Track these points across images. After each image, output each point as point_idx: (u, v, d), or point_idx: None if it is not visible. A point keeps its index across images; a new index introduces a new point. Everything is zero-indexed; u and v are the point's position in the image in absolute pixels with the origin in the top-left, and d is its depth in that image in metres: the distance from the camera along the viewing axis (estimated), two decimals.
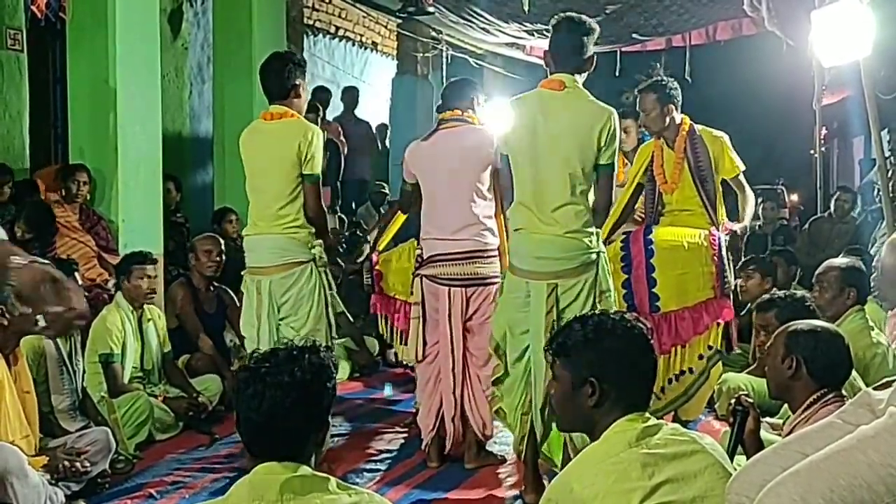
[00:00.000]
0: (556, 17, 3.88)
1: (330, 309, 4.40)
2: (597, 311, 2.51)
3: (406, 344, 4.74)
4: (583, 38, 3.78)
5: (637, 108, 4.79)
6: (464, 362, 4.35)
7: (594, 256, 3.77)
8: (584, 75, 3.84)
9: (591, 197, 3.81)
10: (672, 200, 4.69)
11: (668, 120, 4.64)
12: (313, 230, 4.32)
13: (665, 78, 4.79)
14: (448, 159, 4.31)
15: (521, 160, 3.82)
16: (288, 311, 4.30)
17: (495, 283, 4.26)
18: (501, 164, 4.16)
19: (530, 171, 3.78)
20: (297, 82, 4.30)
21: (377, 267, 4.95)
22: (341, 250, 6.71)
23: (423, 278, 4.37)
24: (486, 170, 4.29)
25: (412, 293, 4.52)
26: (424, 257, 4.37)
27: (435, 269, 4.32)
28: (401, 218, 4.96)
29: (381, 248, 5.01)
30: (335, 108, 10.36)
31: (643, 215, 4.89)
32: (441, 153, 4.34)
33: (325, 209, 4.55)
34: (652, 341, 2.36)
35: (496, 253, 4.34)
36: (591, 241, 3.77)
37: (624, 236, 4.54)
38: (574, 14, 3.85)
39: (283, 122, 4.25)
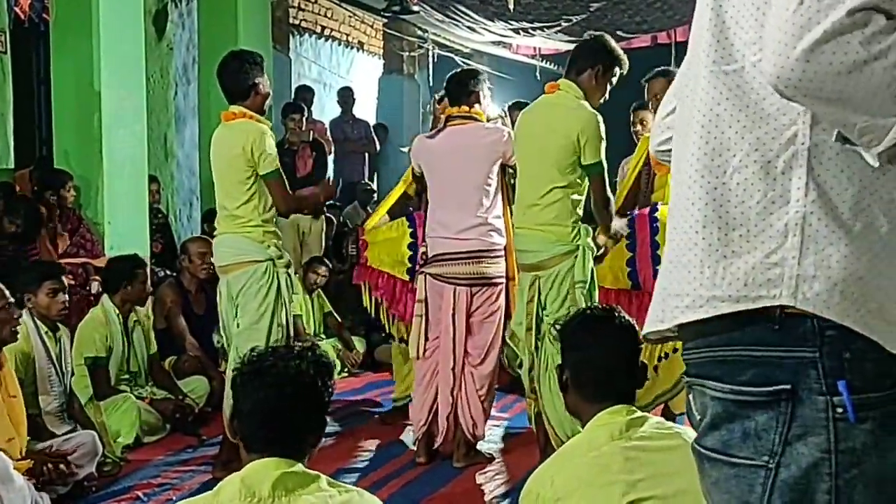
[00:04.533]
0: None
1: (281, 310, 4.26)
2: (596, 309, 2.59)
3: (389, 316, 4.94)
4: (588, 50, 4.10)
5: (646, 97, 4.86)
6: (464, 359, 4.36)
7: (570, 248, 3.99)
8: (590, 78, 4.04)
9: (576, 196, 4.04)
10: (668, 181, 4.78)
11: None
12: (271, 229, 4.28)
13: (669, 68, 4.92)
14: (456, 158, 4.31)
15: (519, 160, 4.16)
16: (238, 307, 4.28)
17: (500, 283, 4.36)
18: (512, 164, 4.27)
19: (522, 169, 4.11)
20: (256, 81, 4.22)
21: (363, 237, 4.94)
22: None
23: (428, 276, 4.39)
24: (494, 168, 4.30)
25: (416, 288, 4.54)
26: (429, 255, 4.38)
27: (440, 267, 4.33)
28: (395, 194, 4.94)
29: (369, 226, 4.98)
30: (323, 108, 10.34)
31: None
32: (449, 151, 4.34)
33: (292, 196, 4.41)
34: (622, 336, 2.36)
35: (502, 253, 4.35)
36: (564, 233, 3.99)
37: (629, 215, 4.69)
38: (590, 38, 4.29)
39: (234, 124, 4.21)
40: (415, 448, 4.51)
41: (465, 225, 4.27)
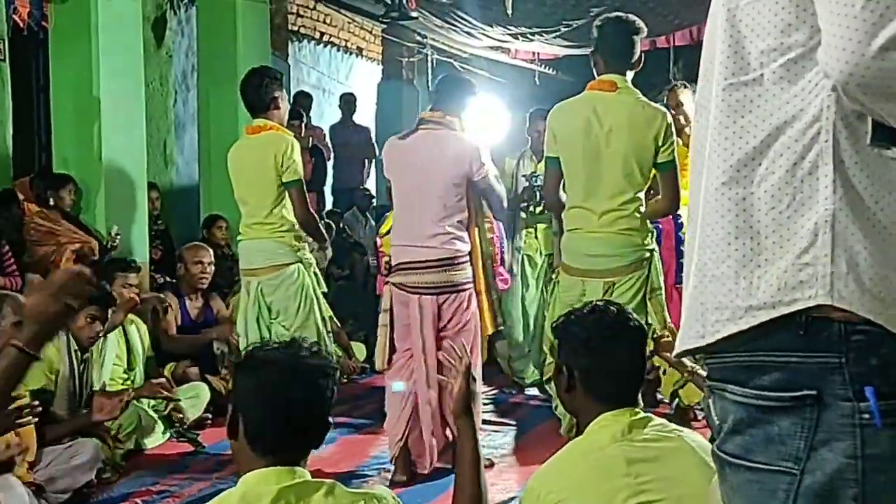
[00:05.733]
0: (601, 17, 3.97)
1: (320, 308, 4.65)
2: (600, 304, 2.45)
3: None
4: (632, 38, 3.85)
5: (667, 103, 4.89)
6: (439, 372, 4.04)
7: (647, 254, 3.89)
8: (632, 73, 3.89)
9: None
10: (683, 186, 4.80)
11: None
12: (300, 233, 4.59)
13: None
14: (423, 164, 4.12)
15: (575, 162, 3.87)
16: (278, 310, 4.59)
17: (468, 289, 4.19)
18: (550, 167, 4.03)
19: (585, 171, 3.84)
20: (275, 95, 4.56)
21: (381, 249, 5.17)
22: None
23: (393, 286, 4.23)
24: (461, 180, 4.11)
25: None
26: (393, 264, 4.23)
27: (404, 277, 4.17)
28: None
29: (383, 231, 5.23)
30: (322, 114, 10.35)
31: None
32: (416, 156, 4.15)
33: (314, 213, 4.74)
34: (632, 338, 2.31)
35: (468, 259, 4.19)
36: (644, 239, 3.89)
37: (655, 224, 4.76)
38: (622, 13, 3.94)
39: (262, 136, 4.51)
40: (391, 466, 4.30)
41: (428, 233, 4.10)
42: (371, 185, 10.35)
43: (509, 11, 7.74)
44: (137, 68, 6.01)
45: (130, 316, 5.03)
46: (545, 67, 10.97)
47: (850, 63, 1.10)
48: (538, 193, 5.55)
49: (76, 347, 4.26)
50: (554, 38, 8.92)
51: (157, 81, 7.75)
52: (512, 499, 4.00)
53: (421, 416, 4.20)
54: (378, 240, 5.34)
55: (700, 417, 4.63)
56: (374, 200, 9.52)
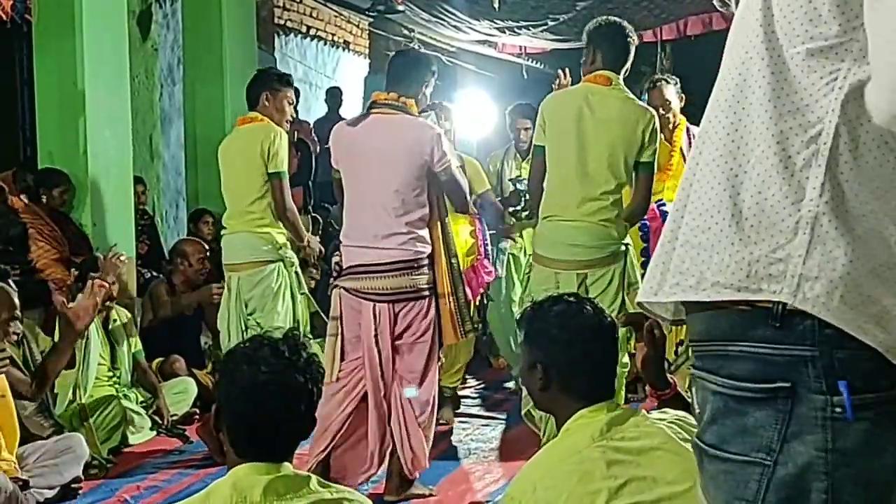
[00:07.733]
0: (602, 18, 4.09)
1: (301, 308, 4.71)
2: (569, 298, 2.39)
3: None
4: (628, 43, 3.97)
5: (652, 100, 4.94)
6: (392, 387, 3.84)
7: (623, 247, 3.93)
8: (622, 76, 3.99)
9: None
10: (669, 187, 4.81)
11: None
12: (282, 229, 4.62)
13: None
14: (376, 152, 3.73)
15: (563, 149, 3.92)
16: (255, 307, 4.60)
17: (427, 294, 3.84)
18: (537, 156, 3.99)
19: (573, 159, 3.88)
20: (272, 90, 4.64)
21: None
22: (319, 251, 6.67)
23: (343, 291, 3.85)
24: (420, 171, 3.73)
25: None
26: (343, 266, 3.85)
27: (356, 281, 3.79)
28: None
29: None
30: (309, 108, 10.32)
31: None
32: (368, 144, 3.76)
33: (295, 207, 4.71)
34: (607, 333, 2.28)
35: (427, 262, 3.81)
36: (620, 232, 3.92)
37: None
38: (618, 19, 4.08)
39: (250, 126, 4.61)
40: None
41: (383, 232, 3.72)
42: None
43: (496, 5, 7.73)
44: (123, 62, 5.97)
45: (115, 314, 4.97)
46: (533, 61, 10.96)
47: None
48: (524, 199, 5.47)
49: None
50: (541, 31, 8.92)
51: (142, 75, 7.70)
52: (499, 490, 4.01)
53: (369, 424, 3.85)
54: None
55: None
56: None
